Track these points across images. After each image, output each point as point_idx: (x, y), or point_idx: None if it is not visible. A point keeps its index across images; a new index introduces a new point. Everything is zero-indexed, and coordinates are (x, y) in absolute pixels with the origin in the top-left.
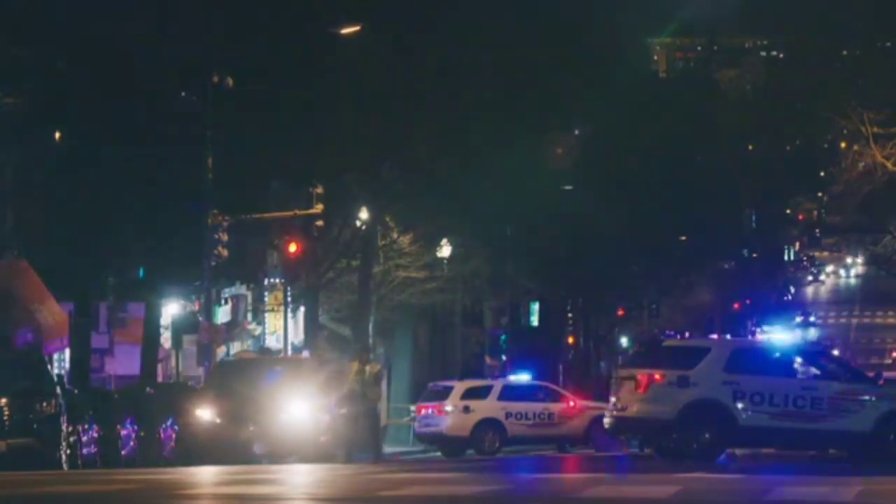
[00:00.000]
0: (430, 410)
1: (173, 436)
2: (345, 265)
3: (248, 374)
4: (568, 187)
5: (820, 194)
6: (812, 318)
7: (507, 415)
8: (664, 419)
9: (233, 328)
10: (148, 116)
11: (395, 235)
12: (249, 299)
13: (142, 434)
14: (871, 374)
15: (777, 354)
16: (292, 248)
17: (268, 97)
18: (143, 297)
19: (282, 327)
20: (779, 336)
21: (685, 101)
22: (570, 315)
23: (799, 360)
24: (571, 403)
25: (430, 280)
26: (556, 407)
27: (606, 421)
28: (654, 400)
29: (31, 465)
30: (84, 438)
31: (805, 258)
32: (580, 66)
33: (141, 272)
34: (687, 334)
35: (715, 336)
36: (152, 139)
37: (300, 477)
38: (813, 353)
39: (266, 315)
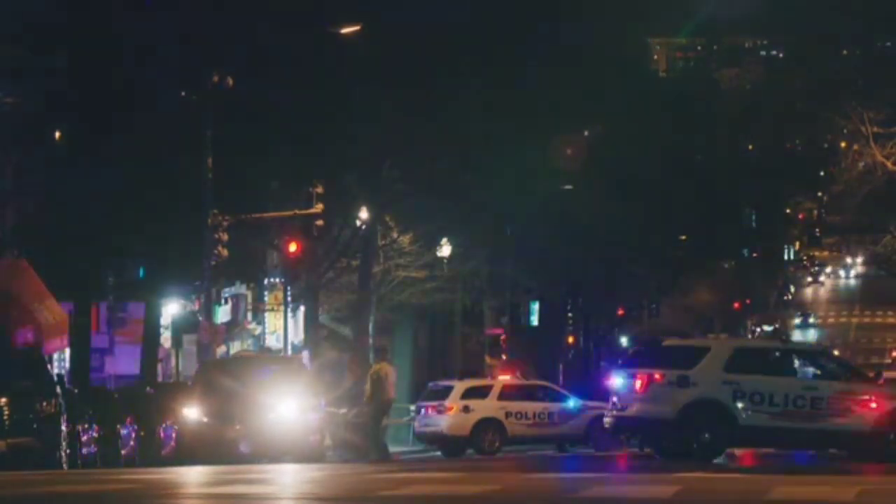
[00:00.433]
0: (429, 410)
1: (173, 435)
2: (345, 265)
3: (234, 372)
4: (568, 187)
5: (820, 194)
6: (812, 319)
7: (507, 414)
8: (664, 419)
9: (233, 328)
10: (148, 116)
11: (395, 235)
12: (249, 299)
13: (141, 434)
14: (871, 374)
15: (777, 354)
16: (292, 247)
17: (267, 97)
18: (143, 297)
19: (282, 327)
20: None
21: (685, 101)
22: (570, 315)
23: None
24: (571, 403)
25: (430, 280)
26: (556, 407)
27: (606, 421)
28: (654, 400)
29: (31, 465)
30: (84, 438)
31: (805, 258)
32: (580, 67)
33: (141, 272)
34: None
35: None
36: (152, 139)
37: (300, 476)
38: (813, 352)
39: (266, 315)
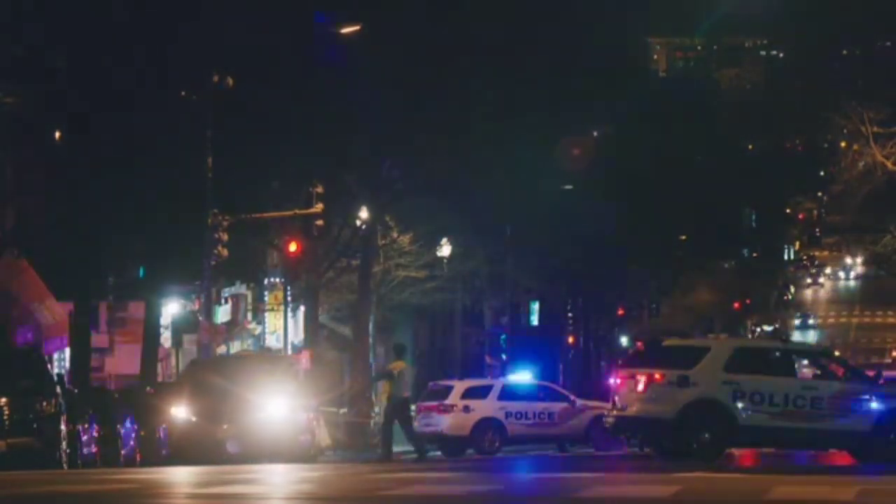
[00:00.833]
0: (429, 410)
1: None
2: (345, 265)
3: (222, 372)
4: (568, 187)
5: (820, 194)
6: (812, 319)
7: (507, 414)
8: (664, 419)
9: (233, 328)
10: (148, 116)
11: (394, 235)
12: (249, 299)
13: (141, 433)
14: (870, 374)
15: (777, 354)
16: (292, 247)
17: (268, 97)
18: (143, 297)
19: (282, 327)
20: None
21: (685, 100)
22: (570, 315)
23: (799, 360)
24: (571, 403)
25: (430, 279)
26: (556, 406)
27: (606, 421)
28: (654, 399)
29: (31, 465)
30: (84, 438)
31: (805, 258)
32: (581, 67)
33: (141, 272)
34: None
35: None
36: (152, 139)
37: (298, 476)
38: (813, 352)
39: (266, 315)
